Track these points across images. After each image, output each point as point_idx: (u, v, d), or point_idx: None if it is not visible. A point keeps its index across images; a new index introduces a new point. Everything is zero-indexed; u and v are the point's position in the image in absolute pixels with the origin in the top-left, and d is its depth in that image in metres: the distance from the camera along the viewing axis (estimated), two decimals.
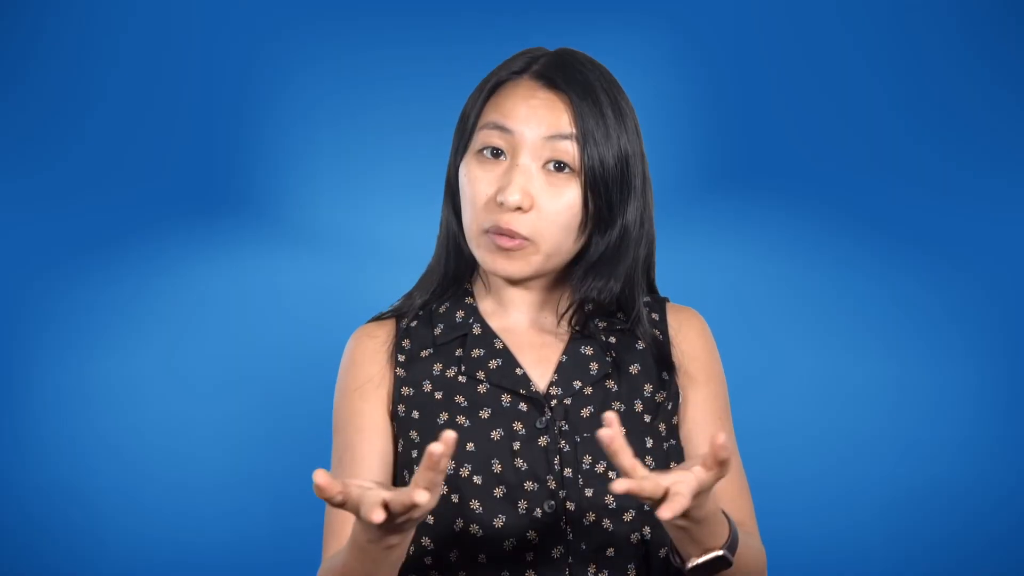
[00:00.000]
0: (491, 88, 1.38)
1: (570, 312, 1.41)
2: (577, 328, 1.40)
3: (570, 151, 1.33)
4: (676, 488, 1.07)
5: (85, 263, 2.73)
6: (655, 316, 1.44)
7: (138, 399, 2.71)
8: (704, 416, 1.43)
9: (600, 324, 1.40)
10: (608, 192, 1.35)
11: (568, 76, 1.36)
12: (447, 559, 1.34)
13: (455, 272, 1.45)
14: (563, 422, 1.35)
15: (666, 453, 1.37)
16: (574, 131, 1.33)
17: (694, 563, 1.22)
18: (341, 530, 1.42)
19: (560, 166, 1.34)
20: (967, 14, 2.71)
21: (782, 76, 2.75)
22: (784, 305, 2.73)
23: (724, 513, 1.24)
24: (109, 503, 2.69)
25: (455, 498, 1.33)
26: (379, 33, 2.75)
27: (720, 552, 1.21)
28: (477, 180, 1.35)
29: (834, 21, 2.74)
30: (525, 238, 1.33)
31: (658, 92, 2.73)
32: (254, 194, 2.76)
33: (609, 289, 1.38)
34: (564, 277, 1.41)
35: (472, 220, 1.36)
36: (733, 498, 1.41)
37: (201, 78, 2.75)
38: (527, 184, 1.32)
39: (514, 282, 1.40)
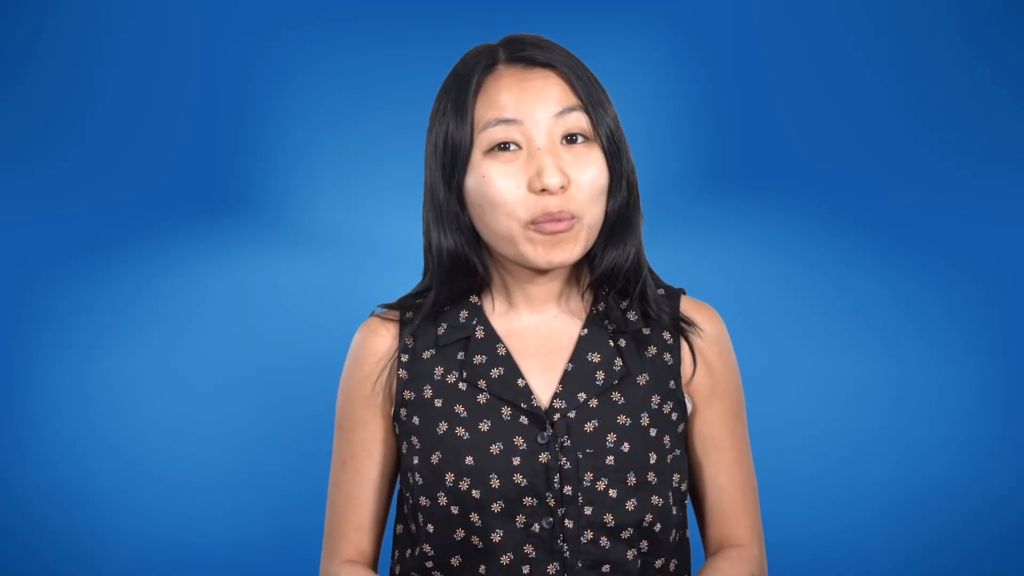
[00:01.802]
0: (473, 95, 1.33)
1: (592, 287, 1.37)
2: (597, 311, 1.37)
3: (581, 121, 1.31)
4: None
5: (85, 263, 2.73)
6: (670, 313, 1.40)
7: (138, 399, 2.71)
8: (720, 432, 1.41)
9: (609, 327, 1.37)
10: (619, 152, 1.33)
11: (544, 50, 1.34)
12: (449, 564, 1.34)
13: (463, 291, 1.39)
14: (565, 437, 1.31)
15: (670, 466, 1.36)
16: (579, 101, 1.31)
17: None
18: (350, 535, 1.41)
19: (573, 138, 1.31)
20: (967, 14, 2.71)
21: (782, 76, 2.75)
22: (784, 305, 2.73)
23: None
24: (109, 503, 2.69)
25: (455, 510, 1.32)
26: (379, 33, 2.75)
27: None
28: (499, 176, 1.30)
29: (834, 21, 2.74)
30: (574, 215, 1.29)
31: (658, 92, 2.73)
32: (254, 194, 2.76)
33: (627, 254, 1.35)
34: (582, 259, 1.37)
35: (508, 218, 1.29)
36: (737, 510, 1.42)
37: (201, 78, 2.75)
38: (559, 163, 1.29)
39: (543, 272, 1.35)
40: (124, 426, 2.70)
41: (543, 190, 1.28)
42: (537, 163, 1.29)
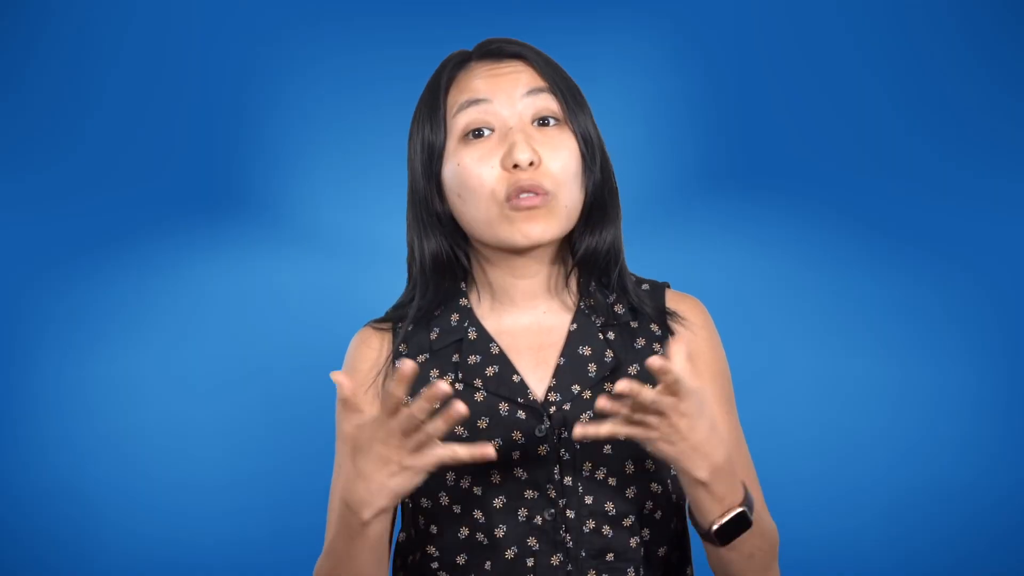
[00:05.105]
0: (444, 91, 1.36)
1: (575, 273, 1.39)
2: (585, 305, 1.38)
3: (551, 103, 1.34)
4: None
5: (85, 263, 2.73)
6: (654, 304, 1.42)
7: (138, 399, 2.71)
8: (717, 415, 1.41)
9: (598, 320, 1.38)
10: (590, 139, 1.35)
11: (513, 43, 1.37)
12: (455, 563, 1.34)
13: (448, 292, 1.41)
14: (562, 429, 1.33)
15: None
16: (547, 84, 1.34)
17: (719, 524, 1.23)
18: None
19: (545, 120, 1.34)
20: (967, 14, 2.71)
21: (782, 76, 2.75)
22: (784, 305, 2.73)
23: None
24: (109, 503, 2.69)
25: (457, 509, 1.33)
26: (379, 33, 2.75)
27: (740, 509, 1.23)
28: (474, 163, 1.32)
29: (834, 21, 2.74)
30: (548, 191, 1.31)
31: (658, 92, 2.73)
32: (254, 194, 2.76)
33: (603, 239, 1.37)
34: (563, 247, 1.39)
35: (488, 199, 1.32)
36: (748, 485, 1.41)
37: (200, 78, 2.75)
38: (529, 141, 1.31)
39: (522, 252, 1.36)
40: (124, 426, 2.70)
41: (515, 166, 1.30)
42: (509, 141, 1.31)
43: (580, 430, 1.13)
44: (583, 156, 1.34)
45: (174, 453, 2.71)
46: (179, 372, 2.72)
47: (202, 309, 2.74)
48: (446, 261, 1.39)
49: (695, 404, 1.16)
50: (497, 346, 1.37)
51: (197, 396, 2.72)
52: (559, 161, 1.32)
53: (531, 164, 1.30)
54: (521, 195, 1.30)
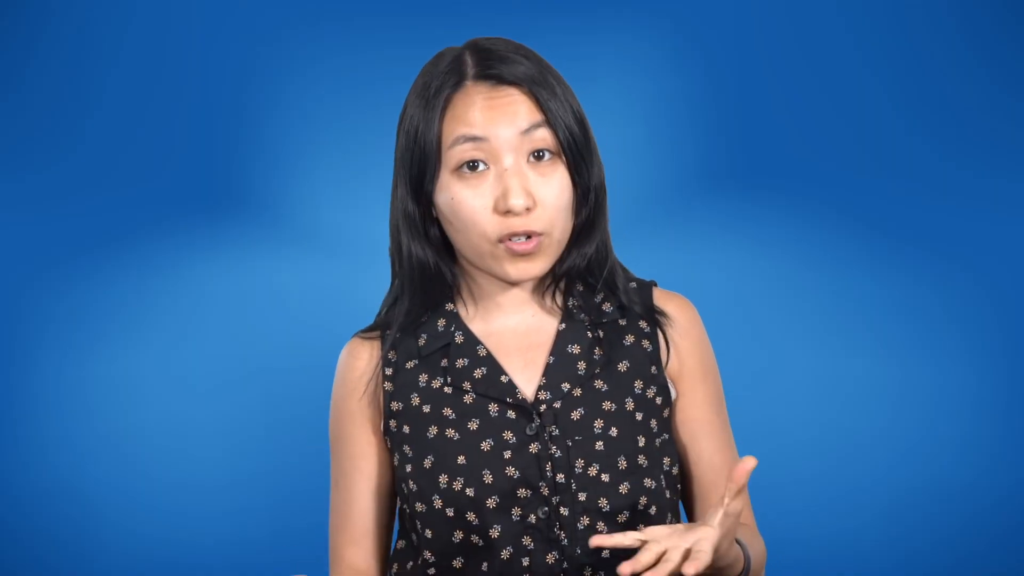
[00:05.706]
0: (440, 112, 1.35)
1: (554, 285, 1.39)
2: (572, 305, 1.39)
3: (546, 138, 1.33)
4: (698, 546, 1.13)
5: (85, 263, 2.73)
6: (643, 303, 1.42)
7: (138, 399, 2.71)
8: (707, 415, 1.42)
9: (586, 318, 1.39)
10: (585, 162, 1.35)
11: (510, 65, 1.35)
12: (451, 567, 1.35)
13: (435, 299, 1.42)
14: (553, 427, 1.33)
15: (660, 449, 1.37)
16: (543, 117, 1.33)
17: None
18: (343, 552, 1.42)
19: (540, 154, 1.33)
20: (967, 14, 2.71)
21: (782, 76, 2.75)
22: (784, 305, 2.73)
23: (738, 541, 1.27)
24: (109, 503, 2.69)
25: (450, 512, 1.33)
26: (379, 33, 2.75)
27: None
28: (469, 198, 1.33)
29: (834, 21, 2.74)
30: (540, 233, 1.32)
31: (658, 92, 2.73)
32: (254, 194, 2.76)
33: (586, 252, 1.38)
34: None
35: (480, 237, 1.33)
36: None
37: (200, 78, 2.75)
38: (524, 183, 1.31)
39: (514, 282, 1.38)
40: (124, 426, 2.70)
41: (508, 211, 1.30)
42: (503, 184, 1.31)
43: (597, 541, 1.16)
44: (576, 186, 1.35)
45: (174, 453, 2.71)
46: (179, 372, 2.72)
47: (202, 309, 2.74)
48: (432, 271, 1.41)
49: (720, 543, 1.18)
50: (484, 348, 1.38)
51: (197, 396, 2.72)
52: (552, 199, 1.32)
53: (527, 210, 1.31)
54: (513, 239, 1.31)
